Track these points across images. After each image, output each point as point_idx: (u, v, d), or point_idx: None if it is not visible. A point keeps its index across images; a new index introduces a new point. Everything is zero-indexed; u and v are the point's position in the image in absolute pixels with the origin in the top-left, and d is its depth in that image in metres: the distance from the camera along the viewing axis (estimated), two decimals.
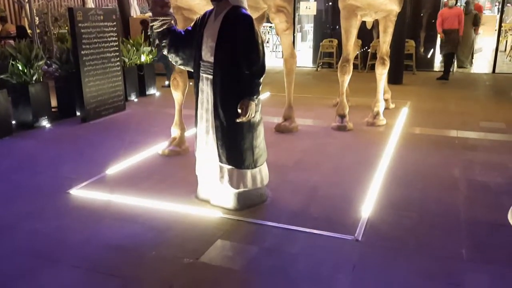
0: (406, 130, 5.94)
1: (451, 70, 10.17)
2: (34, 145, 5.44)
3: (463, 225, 3.28)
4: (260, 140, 3.46)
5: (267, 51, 14.14)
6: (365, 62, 11.22)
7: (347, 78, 5.96)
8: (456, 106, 7.41)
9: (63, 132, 6.03)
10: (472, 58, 11.81)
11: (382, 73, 6.25)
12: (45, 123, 6.23)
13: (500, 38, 12.17)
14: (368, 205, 3.54)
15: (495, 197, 3.77)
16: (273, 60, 13.19)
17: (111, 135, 5.83)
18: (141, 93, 8.27)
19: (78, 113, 6.66)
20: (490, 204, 3.62)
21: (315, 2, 12.30)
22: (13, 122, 5.99)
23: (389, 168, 4.44)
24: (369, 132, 5.92)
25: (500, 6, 12.02)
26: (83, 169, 4.45)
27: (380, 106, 6.25)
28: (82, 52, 6.29)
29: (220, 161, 3.38)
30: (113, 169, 4.44)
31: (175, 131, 5.06)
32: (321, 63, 11.90)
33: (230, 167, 3.38)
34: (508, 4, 15.82)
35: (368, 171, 4.33)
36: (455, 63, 10.66)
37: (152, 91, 8.52)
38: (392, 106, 7.15)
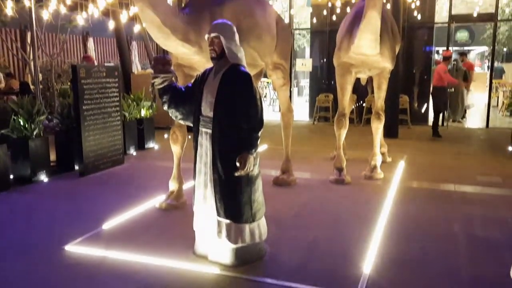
0: (404, 184, 5.95)
1: (445, 124, 10.34)
2: (31, 200, 5.41)
3: (465, 281, 3.22)
4: (259, 194, 3.46)
5: (265, 105, 14.41)
6: (361, 116, 11.43)
7: (344, 132, 6.06)
8: (452, 160, 7.47)
9: (61, 186, 6.01)
10: (465, 112, 12.03)
11: (378, 127, 6.36)
12: (43, 177, 6.23)
13: (492, 94, 12.47)
14: (368, 261, 3.49)
15: (496, 252, 3.72)
16: (270, 114, 13.44)
17: (108, 189, 5.81)
18: (140, 146, 8.33)
19: (76, 167, 6.67)
20: (491, 260, 3.58)
21: (311, 59, 12.71)
22: (11, 176, 5.99)
23: (388, 222, 4.42)
24: (367, 185, 5.93)
25: (489, 64, 12.41)
26: (79, 224, 4.40)
27: (377, 160, 6.30)
28: (84, 107, 6.41)
29: (218, 215, 3.37)
30: (110, 224, 4.40)
31: (173, 185, 5.06)
32: (317, 117, 12.11)
33: (228, 221, 3.35)
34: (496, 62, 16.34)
35: (367, 225, 4.30)
36: (447, 117, 10.87)
37: (151, 144, 8.60)
38: (389, 159, 7.21)
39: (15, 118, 6.07)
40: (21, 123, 6.04)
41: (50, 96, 9.19)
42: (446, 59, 9.88)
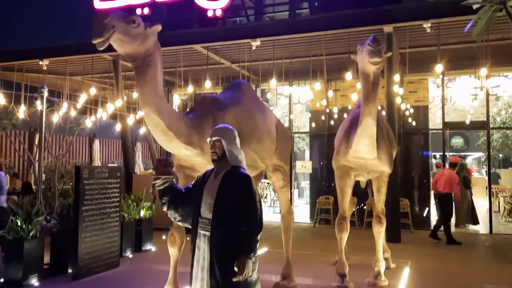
0: None
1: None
2: None
3: None
4: None
5: (265, 206, 14.34)
6: (362, 219, 11.31)
7: (345, 236, 5.96)
8: (458, 267, 7.24)
9: None
10: (475, 217, 11.74)
11: (379, 231, 6.26)
12: (34, 281, 6.00)
13: (492, 199, 12.46)
14: None
15: None
16: (271, 216, 13.30)
17: None
18: (137, 248, 8.14)
19: (70, 270, 6.46)
20: None
21: (311, 162, 12.94)
22: (1, 280, 5.78)
23: None
24: None
25: (487, 169, 12.59)
26: None
27: (381, 266, 6.11)
28: (83, 207, 6.40)
29: None
30: None
31: None
32: (318, 220, 11.98)
33: None
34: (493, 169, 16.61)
35: None
36: (453, 223, 10.71)
37: (148, 246, 8.41)
38: (393, 265, 6.99)
39: (13, 218, 6.03)
40: (19, 223, 5.98)
41: (51, 196, 9.22)
42: (454, 165, 10.00)
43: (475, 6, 2.97)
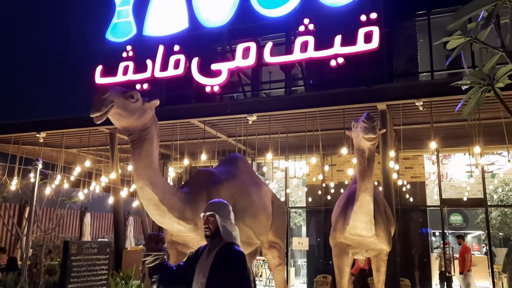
0: None
1: None
2: None
3: None
4: None
5: (260, 285, 13.77)
6: None
7: None
8: None
9: None
10: None
11: None
12: None
13: (496, 280, 12.05)
14: None
15: None
16: None
17: None
18: None
19: None
20: None
21: (307, 238, 12.64)
22: None
23: None
24: None
25: (487, 248, 12.31)
26: None
27: None
28: (69, 286, 6.08)
29: None
30: None
31: None
32: None
33: None
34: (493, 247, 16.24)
35: None
36: None
37: None
38: None
39: None
40: None
41: (36, 273, 8.82)
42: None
43: (464, 87, 3.04)
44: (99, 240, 15.37)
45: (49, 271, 8.03)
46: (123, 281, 7.89)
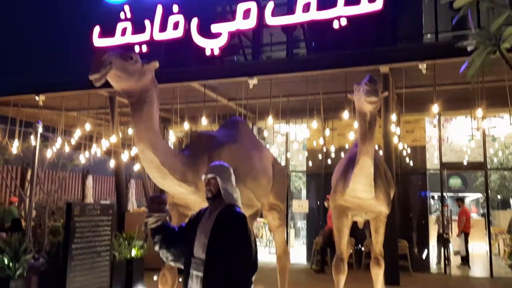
0: None
1: (447, 272, 9.98)
2: None
3: None
4: None
5: (260, 246, 14.05)
6: (360, 261, 11.04)
7: (342, 278, 5.78)
8: None
9: None
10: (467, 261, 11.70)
11: (377, 273, 6.09)
12: None
13: (492, 241, 12.26)
14: None
15: None
16: (266, 256, 12.98)
17: None
18: None
19: None
20: None
21: (307, 201, 12.78)
22: None
23: None
24: None
25: (486, 211, 12.45)
26: None
27: None
28: (73, 246, 6.20)
29: None
30: None
31: None
32: (315, 261, 11.69)
33: None
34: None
35: None
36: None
37: (139, 287, 8.11)
38: None
39: (0, 256, 5.82)
40: (5, 262, 5.77)
41: (40, 234, 8.99)
42: None
43: (469, 48, 2.98)
44: (101, 202, 15.56)
45: (53, 232, 8.17)
46: (126, 242, 8.04)
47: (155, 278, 8.45)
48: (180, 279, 3.70)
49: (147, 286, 8.32)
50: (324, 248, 10.79)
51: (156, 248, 3.45)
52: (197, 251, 3.24)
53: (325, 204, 10.80)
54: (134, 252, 8.12)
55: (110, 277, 6.96)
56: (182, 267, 3.36)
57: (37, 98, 10.68)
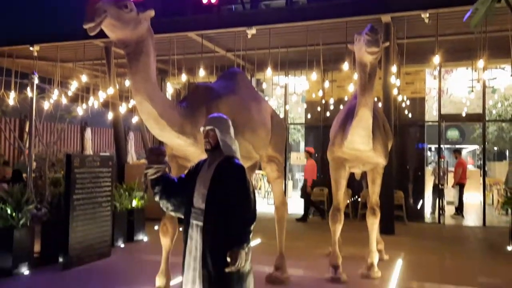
0: (403, 284, 5.69)
1: (441, 222, 10.21)
2: None
3: None
4: None
5: (259, 197, 14.30)
6: (356, 211, 11.29)
7: (339, 227, 5.92)
8: (451, 260, 7.24)
9: (42, 280, 5.70)
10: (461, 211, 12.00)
11: (373, 223, 6.23)
12: (24, 270, 5.91)
13: (486, 192, 12.49)
14: None
15: None
16: (264, 207, 13.25)
17: (92, 285, 5.50)
18: (129, 238, 8.06)
19: (60, 259, 6.37)
20: None
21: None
22: None
23: None
24: (364, 285, 5.66)
25: (482, 162, 12.60)
26: None
27: (374, 258, 6.08)
28: (74, 196, 6.30)
29: None
30: None
31: (160, 281, 4.79)
32: (312, 211, 11.94)
33: None
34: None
35: None
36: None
37: (140, 236, 8.34)
38: (386, 257, 6.96)
39: (3, 206, 5.92)
40: (8, 212, 5.87)
41: (41, 185, 9.09)
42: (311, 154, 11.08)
43: None
44: (100, 154, 15.65)
45: (54, 183, 8.25)
46: (127, 193, 8.16)
47: (156, 227, 8.67)
48: (181, 229, 3.78)
49: (149, 235, 8.54)
50: (307, 199, 11.26)
51: (156, 198, 3.50)
52: (196, 201, 3.30)
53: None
54: (134, 203, 8.27)
55: (112, 227, 7.12)
56: (183, 216, 3.42)
57: (31, 48, 10.48)
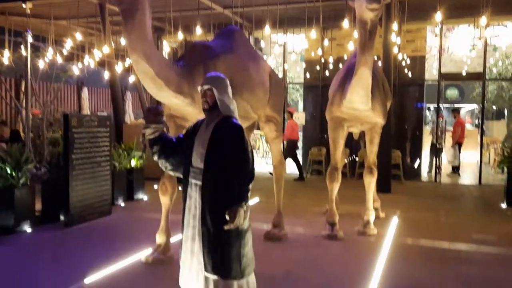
0: (397, 241, 5.81)
1: (437, 180, 10.31)
2: (11, 252, 5.19)
3: None
4: (248, 248, 3.32)
5: (257, 157, 14.38)
6: (354, 171, 11.40)
7: (336, 186, 5.99)
8: (446, 217, 7.37)
9: (44, 238, 5.80)
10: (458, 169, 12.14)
11: (370, 181, 6.30)
12: (26, 227, 6.02)
13: (483, 151, 12.58)
14: None
15: None
16: (263, 166, 13.36)
17: (93, 242, 5.61)
18: (129, 197, 8.17)
19: (62, 218, 6.47)
20: None
21: (304, 113, 12.84)
22: None
23: (381, 283, 4.25)
24: (360, 242, 5.78)
25: (480, 122, 12.60)
26: (59, 279, 4.19)
27: (371, 215, 6.19)
28: (73, 156, 6.32)
29: (206, 270, 3.21)
30: (92, 279, 4.19)
31: (160, 238, 4.89)
32: (310, 170, 12.06)
33: (215, 277, 3.19)
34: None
35: (360, 285, 4.12)
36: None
37: (140, 195, 8.44)
38: (382, 215, 7.09)
39: (2, 166, 5.95)
40: (8, 171, 5.91)
41: (40, 145, 9.11)
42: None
43: None
44: (98, 114, 15.59)
45: (53, 143, 8.27)
46: (125, 153, 8.19)
47: (155, 187, 8.76)
48: (180, 188, 3.82)
49: (148, 194, 8.65)
50: (286, 157, 11.18)
51: (155, 158, 3.51)
52: (195, 161, 3.31)
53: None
54: (133, 163, 8.32)
55: (111, 186, 7.20)
56: (181, 176, 3.45)
57: (24, 5, 10.19)
